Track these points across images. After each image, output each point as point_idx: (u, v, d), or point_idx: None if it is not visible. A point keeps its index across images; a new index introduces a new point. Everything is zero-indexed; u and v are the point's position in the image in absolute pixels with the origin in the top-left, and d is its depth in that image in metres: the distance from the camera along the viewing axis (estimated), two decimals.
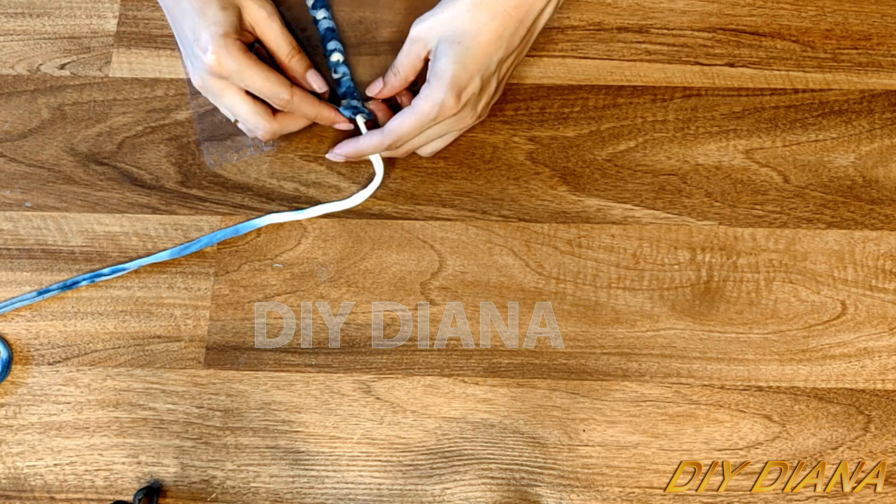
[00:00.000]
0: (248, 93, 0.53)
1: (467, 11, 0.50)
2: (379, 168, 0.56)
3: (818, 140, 0.57)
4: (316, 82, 0.56)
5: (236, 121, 0.55)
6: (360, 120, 0.55)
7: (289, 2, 0.59)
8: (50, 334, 0.55)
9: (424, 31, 0.52)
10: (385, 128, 0.53)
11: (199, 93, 0.58)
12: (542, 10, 0.52)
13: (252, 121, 0.54)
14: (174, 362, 0.54)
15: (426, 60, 0.53)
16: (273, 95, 0.52)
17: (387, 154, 0.56)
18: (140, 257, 0.56)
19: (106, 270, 0.55)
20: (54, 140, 0.59)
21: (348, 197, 0.56)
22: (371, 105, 0.56)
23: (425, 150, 0.56)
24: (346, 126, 0.56)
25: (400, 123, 0.52)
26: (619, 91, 0.58)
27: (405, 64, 0.54)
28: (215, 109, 0.58)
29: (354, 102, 0.56)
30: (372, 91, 0.56)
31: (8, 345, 0.55)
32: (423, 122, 0.52)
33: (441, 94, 0.51)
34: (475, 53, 0.51)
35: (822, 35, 0.58)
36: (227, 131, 0.58)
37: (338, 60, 0.57)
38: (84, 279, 0.55)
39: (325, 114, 0.55)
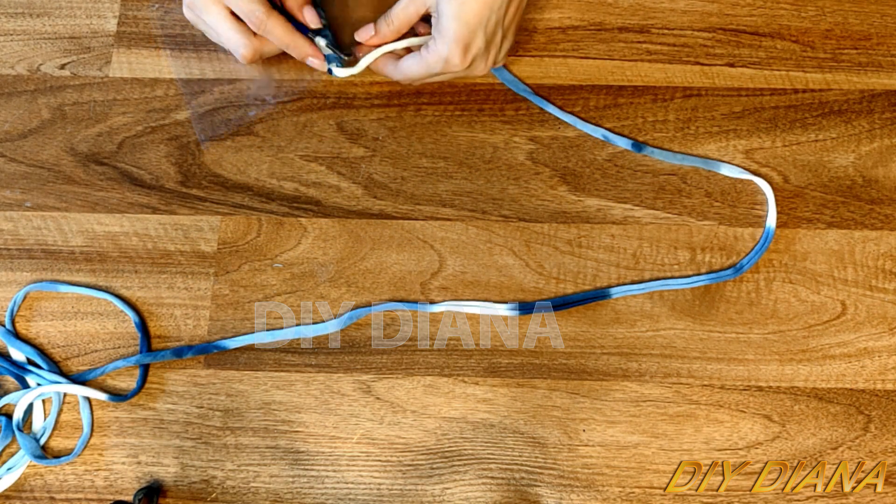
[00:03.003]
0: (230, 13, 0.54)
1: None
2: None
3: (818, 140, 0.57)
4: (310, 15, 0.55)
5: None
6: (335, 66, 0.56)
7: None
8: (50, 334, 0.55)
9: None
10: (398, 66, 0.55)
11: (196, 93, 0.58)
12: None
13: (233, 39, 0.54)
14: (174, 362, 0.54)
15: (423, 15, 0.54)
16: (250, 13, 0.53)
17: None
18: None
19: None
20: (54, 140, 0.59)
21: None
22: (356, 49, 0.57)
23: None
24: (320, 65, 0.56)
25: (409, 66, 0.54)
26: (620, 91, 0.58)
27: (400, 17, 0.54)
28: (214, 109, 0.58)
29: (331, 48, 0.56)
30: (361, 37, 0.55)
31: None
32: (431, 72, 0.54)
33: (445, 51, 0.52)
34: (474, 8, 0.51)
35: (822, 35, 0.58)
36: (227, 131, 0.58)
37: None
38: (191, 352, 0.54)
39: (300, 46, 0.55)
